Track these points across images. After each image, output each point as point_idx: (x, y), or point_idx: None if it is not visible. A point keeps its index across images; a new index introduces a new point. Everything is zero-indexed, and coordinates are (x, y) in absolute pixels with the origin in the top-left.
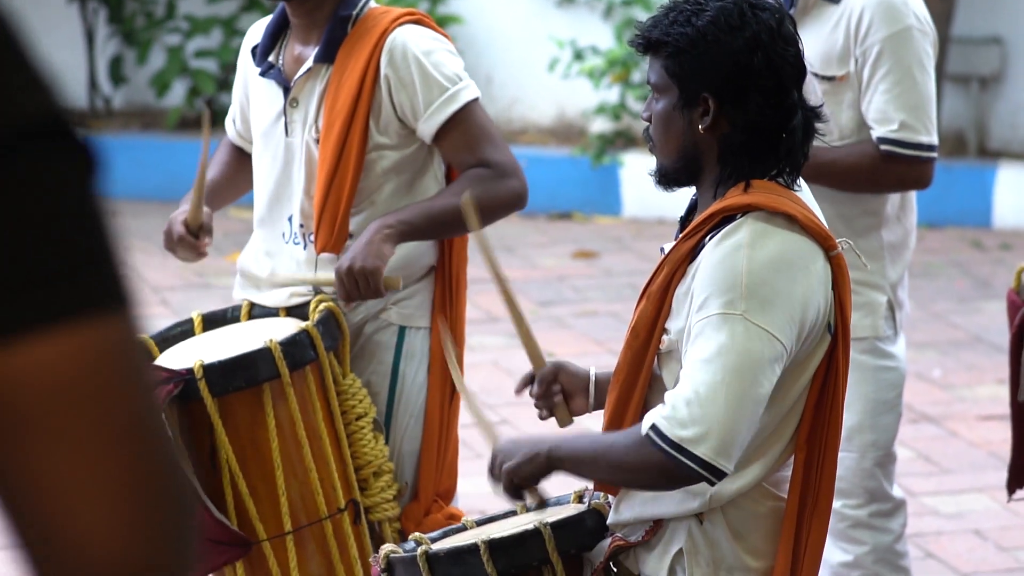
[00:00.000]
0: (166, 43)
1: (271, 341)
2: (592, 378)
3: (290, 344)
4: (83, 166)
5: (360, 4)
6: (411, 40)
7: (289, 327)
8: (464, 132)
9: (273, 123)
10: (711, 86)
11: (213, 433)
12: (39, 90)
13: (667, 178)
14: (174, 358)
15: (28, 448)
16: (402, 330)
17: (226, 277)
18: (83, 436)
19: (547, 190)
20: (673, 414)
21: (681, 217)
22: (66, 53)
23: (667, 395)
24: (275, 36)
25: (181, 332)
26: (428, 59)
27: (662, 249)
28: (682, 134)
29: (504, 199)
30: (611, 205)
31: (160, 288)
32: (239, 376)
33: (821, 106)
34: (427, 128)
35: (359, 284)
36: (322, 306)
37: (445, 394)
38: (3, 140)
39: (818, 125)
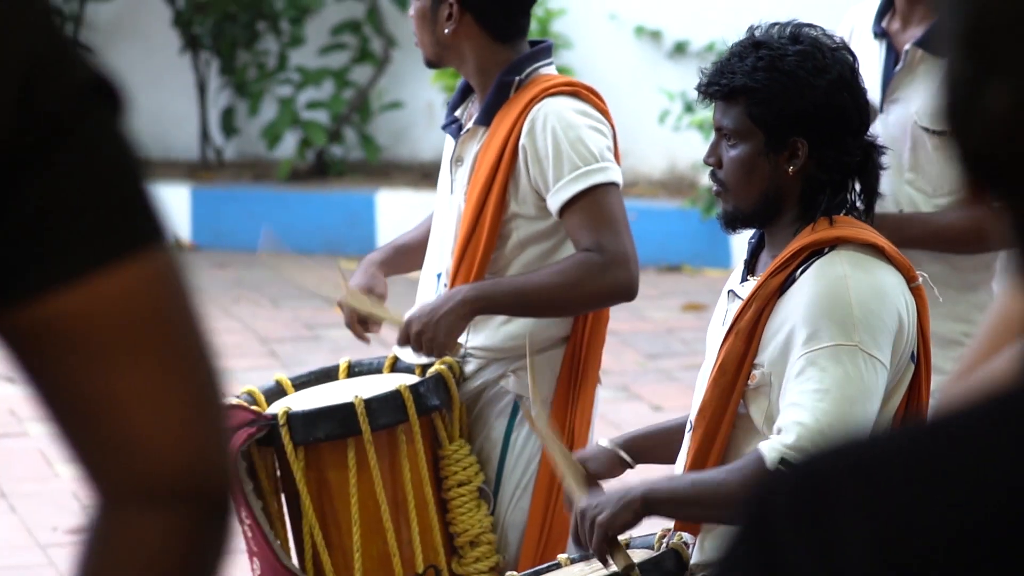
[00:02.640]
0: (277, 95)
1: (357, 398)
2: (617, 449)
3: (378, 403)
4: (122, 113)
5: (528, 69)
6: (553, 112)
7: (390, 386)
8: (587, 213)
9: (445, 179)
10: (802, 129)
11: (295, 481)
12: (84, 53)
13: (741, 221)
14: (296, 400)
15: (104, 369)
16: (518, 399)
17: (335, 329)
18: (151, 352)
19: (657, 242)
20: (798, 443)
21: (745, 259)
22: (178, 104)
23: (786, 425)
24: (465, 92)
25: (324, 375)
26: (567, 134)
27: (731, 292)
28: (768, 178)
29: (606, 290)
30: (720, 258)
31: (269, 340)
32: (320, 428)
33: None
34: (553, 203)
35: (423, 346)
36: (432, 370)
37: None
38: (77, 99)
39: (908, 176)
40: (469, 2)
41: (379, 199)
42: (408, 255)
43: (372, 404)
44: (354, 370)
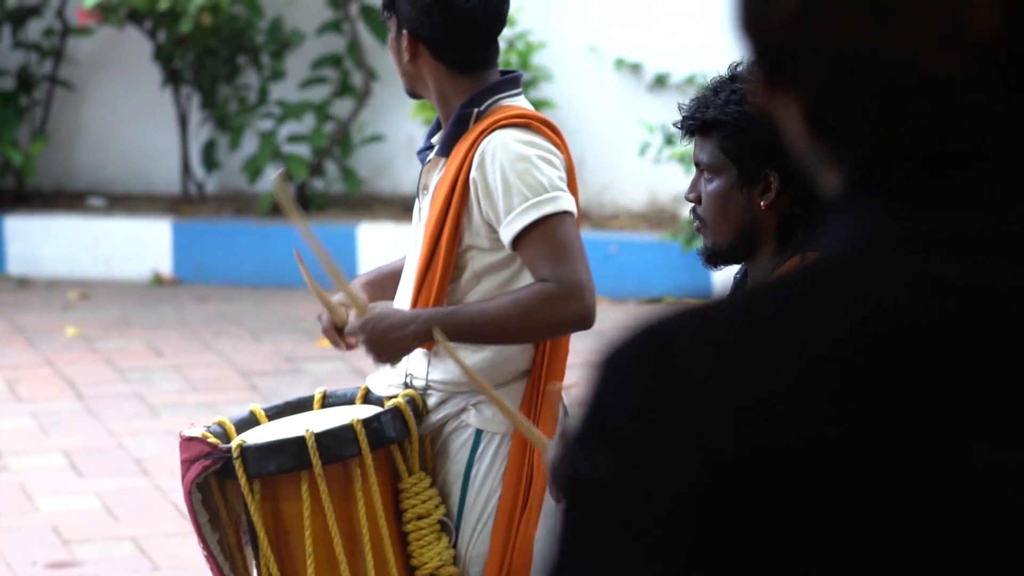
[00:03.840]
0: (258, 128)
1: (308, 431)
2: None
3: (329, 436)
4: None
5: (489, 100)
6: (501, 145)
7: (346, 419)
8: (540, 243)
9: (415, 207)
10: (773, 162)
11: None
12: None
13: (720, 257)
14: (260, 432)
15: None
16: (479, 433)
17: (316, 363)
18: None
19: (637, 275)
20: None
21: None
22: (160, 138)
23: None
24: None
25: (299, 405)
26: (515, 166)
27: None
28: (741, 212)
29: (560, 320)
30: (702, 290)
31: (250, 373)
32: (272, 461)
33: None
34: (506, 235)
35: (367, 353)
36: (390, 403)
37: (518, 503)
38: None
39: None
40: (421, 34)
41: (360, 232)
42: (394, 280)
43: (323, 438)
44: (328, 401)
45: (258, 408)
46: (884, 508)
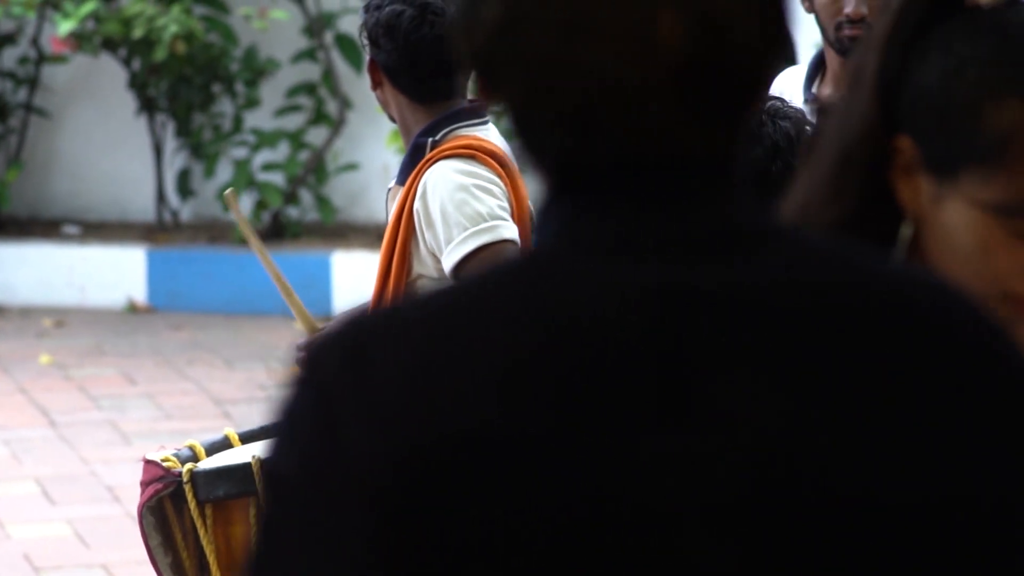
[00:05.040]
0: (233, 156)
1: (254, 457)
2: None
3: None
4: None
5: (444, 130)
6: (441, 176)
7: None
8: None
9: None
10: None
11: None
12: None
13: None
14: (222, 457)
15: None
16: None
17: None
18: None
19: None
20: None
21: None
22: (134, 166)
23: None
24: None
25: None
26: (453, 197)
27: None
28: None
29: None
30: None
31: (223, 401)
32: (221, 486)
33: None
34: (447, 265)
35: None
36: None
37: None
38: None
39: None
40: (382, 65)
41: (335, 260)
42: None
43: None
44: None
45: (232, 432)
46: (558, 509)
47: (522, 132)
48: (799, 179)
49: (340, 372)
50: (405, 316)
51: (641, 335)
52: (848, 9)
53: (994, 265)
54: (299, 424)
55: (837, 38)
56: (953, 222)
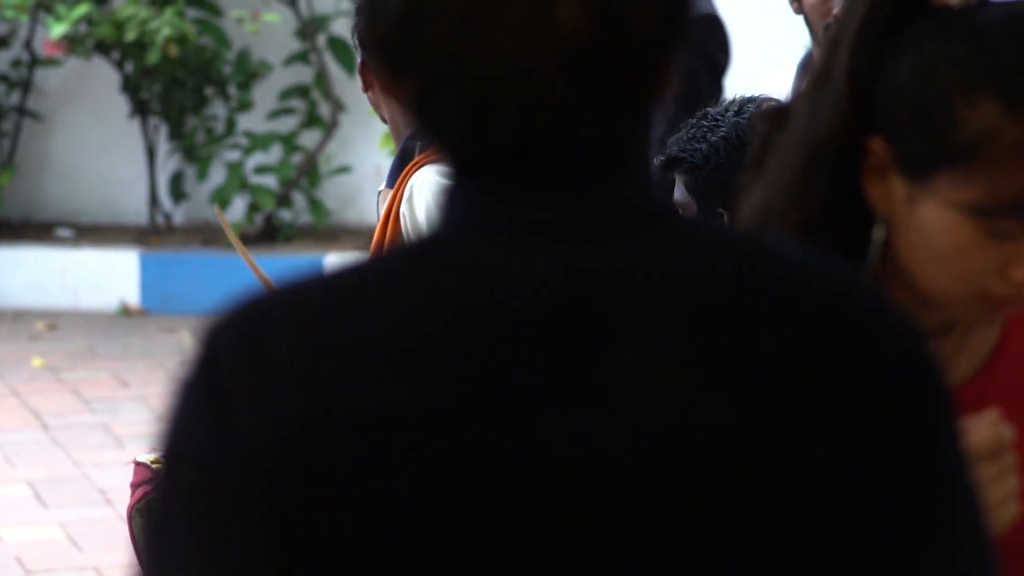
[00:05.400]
0: (226, 159)
1: None
2: None
3: None
4: None
5: None
6: (428, 182)
7: None
8: None
9: None
10: (724, 202)
11: None
12: None
13: None
14: None
15: None
16: None
17: None
18: None
19: None
20: None
21: None
22: (127, 169)
23: None
24: None
25: None
26: (437, 201)
27: None
28: None
29: None
30: None
31: None
32: None
33: None
34: None
35: None
36: None
37: None
38: None
39: None
40: (371, 64)
41: (328, 263)
42: None
43: None
44: None
45: None
46: (447, 485)
47: (426, 119)
48: (761, 179)
49: (232, 351)
50: (301, 295)
51: (535, 315)
52: (837, 10)
53: (969, 265)
54: (190, 405)
55: (826, 39)
56: (927, 223)
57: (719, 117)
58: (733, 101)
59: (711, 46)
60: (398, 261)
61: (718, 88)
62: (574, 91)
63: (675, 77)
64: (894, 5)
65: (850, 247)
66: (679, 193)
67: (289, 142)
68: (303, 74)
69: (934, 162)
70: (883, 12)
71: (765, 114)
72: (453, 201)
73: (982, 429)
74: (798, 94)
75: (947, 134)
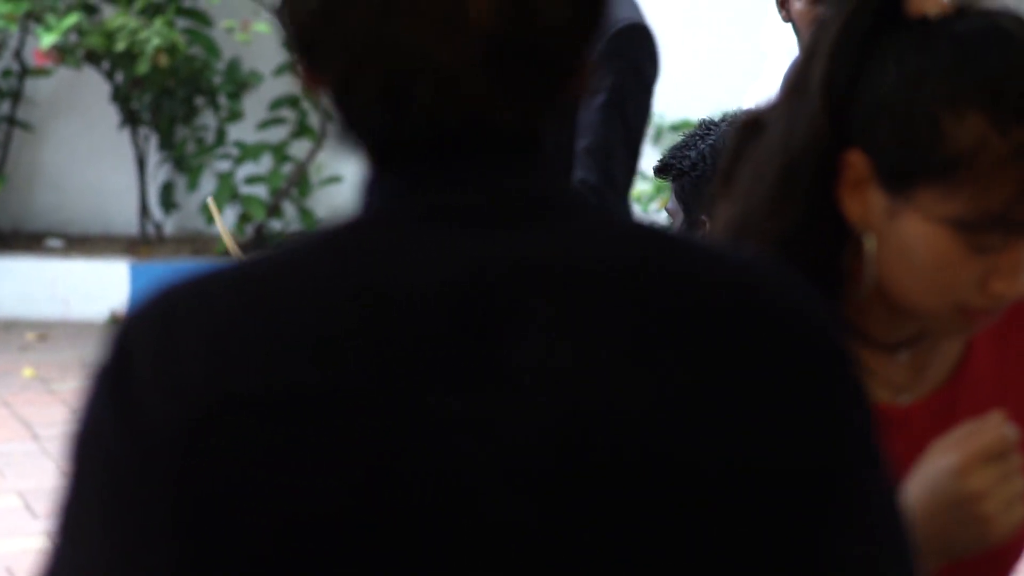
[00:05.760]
0: (216, 169)
1: None
2: None
3: None
4: None
5: None
6: None
7: None
8: None
9: None
10: (708, 209)
11: None
12: None
13: None
14: None
15: None
16: None
17: None
18: None
19: None
20: None
21: None
22: (118, 179)
23: None
24: None
25: None
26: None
27: None
28: None
29: None
30: None
31: None
32: None
33: None
34: None
35: None
36: None
37: None
38: None
39: None
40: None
41: None
42: None
43: None
44: None
45: None
46: (352, 471)
47: (343, 111)
48: (735, 192)
49: (142, 342)
50: (213, 284)
51: (444, 300)
52: None
53: (950, 278)
54: (98, 399)
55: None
56: (907, 236)
57: (711, 126)
58: (728, 112)
59: (639, 55)
60: (310, 248)
61: (646, 98)
62: (485, 82)
63: (595, 78)
64: (871, 16)
65: (827, 259)
66: (671, 200)
67: (280, 152)
68: (293, 84)
69: (917, 175)
70: (860, 23)
71: (738, 124)
72: (368, 190)
73: (988, 431)
74: (771, 105)
75: (932, 147)
